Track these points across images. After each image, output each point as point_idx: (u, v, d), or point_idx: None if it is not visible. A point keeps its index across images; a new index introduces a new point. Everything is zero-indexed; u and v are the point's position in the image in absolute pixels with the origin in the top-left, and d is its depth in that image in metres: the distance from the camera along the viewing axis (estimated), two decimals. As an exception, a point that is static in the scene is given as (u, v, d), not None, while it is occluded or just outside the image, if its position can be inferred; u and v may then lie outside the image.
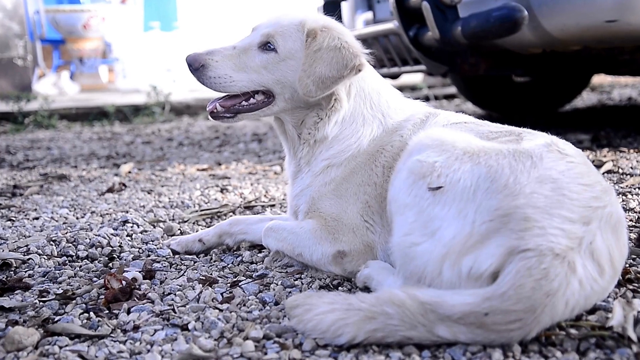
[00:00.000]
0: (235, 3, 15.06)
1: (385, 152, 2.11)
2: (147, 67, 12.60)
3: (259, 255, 2.36)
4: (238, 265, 2.29)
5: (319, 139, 2.17)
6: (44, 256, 2.42)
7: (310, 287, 2.00)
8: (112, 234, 2.66)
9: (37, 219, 3.11)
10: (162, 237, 2.70)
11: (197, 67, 2.10)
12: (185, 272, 2.21)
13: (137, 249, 2.51)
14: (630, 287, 1.82)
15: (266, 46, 2.12)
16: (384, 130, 2.15)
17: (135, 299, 1.93)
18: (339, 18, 2.25)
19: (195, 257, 2.40)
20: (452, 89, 9.37)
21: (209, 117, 2.21)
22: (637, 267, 1.99)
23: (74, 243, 2.56)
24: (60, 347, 1.62)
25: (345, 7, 5.44)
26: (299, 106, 2.16)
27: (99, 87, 13.17)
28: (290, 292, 1.95)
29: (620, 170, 3.54)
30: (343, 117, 2.16)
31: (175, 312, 1.81)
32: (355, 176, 2.10)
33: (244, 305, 1.87)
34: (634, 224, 2.46)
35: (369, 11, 5.26)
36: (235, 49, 2.13)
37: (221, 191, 3.68)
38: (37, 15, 12.88)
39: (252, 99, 2.16)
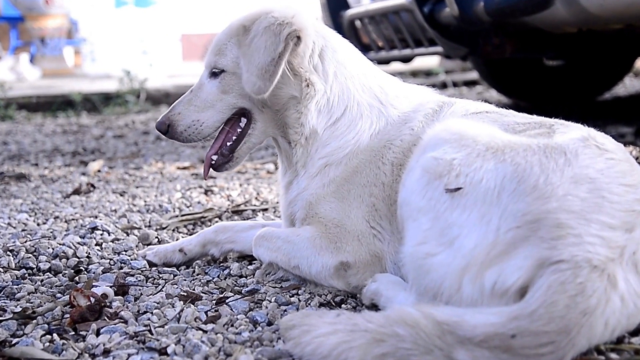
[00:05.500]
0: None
1: (393, 148, 2.11)
2: (119, 49, 12.60)
3: (249, 267, 2.36)
4: (225, 279, 2.29)
5: (309, 135, 2.18)
6: (0, 269, 2.42)
7: (309, 304, 2.00)
8: (78, 243, 2.66)
9: (-9, 225, 3.11)
10: (136, 246, 2.70)
11: (166, 129, 2.25)
12: (163, 287, 2.21)
13: (108, 260, 2.51)
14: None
15: (213, 73, 2.22)
16: (387, 122, 2.16)
17: (106, 318, 1.93)
18: None
19: (175, 269, 2.41)
20: (473, 75, 9.36)
21: (213, 172, 2.30)
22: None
23: (35, 253, 2.56)
24: (19, 375, 1.62)
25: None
26: (275, 109, 2.21)
27: (63, 72, 13.18)
28: (285, 311, 1.95)
29: (669, 169, 3.53)
30: (327, 100, 2.17)
31: (152, 334, 1.81)
32: (358, 176, 2.11)
33: (232, 325, 1.87)
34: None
35: (377, -16, 5.26)
36: (192, 92, 2.27)
37: (205, 193, 3.68)
38: (-9, -12, 12.90)
39: (237, 128, 2.25)
